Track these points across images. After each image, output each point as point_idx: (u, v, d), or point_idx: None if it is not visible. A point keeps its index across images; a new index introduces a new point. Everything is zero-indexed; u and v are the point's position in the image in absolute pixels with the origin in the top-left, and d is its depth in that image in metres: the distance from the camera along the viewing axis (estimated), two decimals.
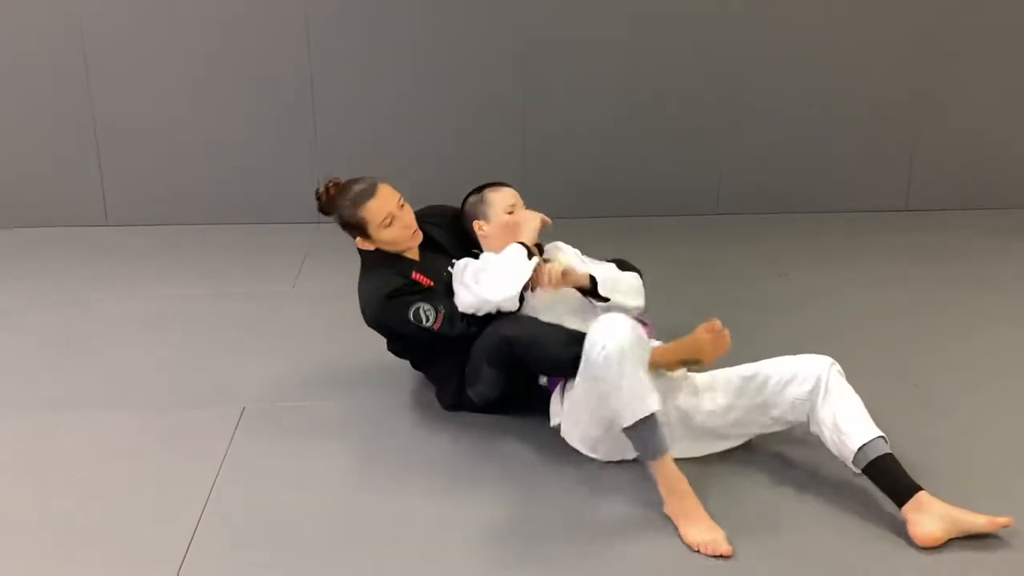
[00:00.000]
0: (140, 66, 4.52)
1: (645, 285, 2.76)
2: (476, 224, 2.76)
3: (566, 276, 2.54)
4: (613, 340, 2.16)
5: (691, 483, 2.21)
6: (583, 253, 2.86)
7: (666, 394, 2.37)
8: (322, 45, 4.54)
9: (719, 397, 2.43)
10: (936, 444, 2.57)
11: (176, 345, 3.23)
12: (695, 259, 4.25)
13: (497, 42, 4.60)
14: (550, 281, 2.50)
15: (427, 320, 2.55)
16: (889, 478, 2.17)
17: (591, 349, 2.20)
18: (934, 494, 2.16)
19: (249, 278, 3.98)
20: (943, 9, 4.63)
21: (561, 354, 2.34)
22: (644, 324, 2.57)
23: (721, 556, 2.09)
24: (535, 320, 2.51)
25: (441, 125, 4.72)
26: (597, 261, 2.81)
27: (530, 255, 2.56)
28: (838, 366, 2.35)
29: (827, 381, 2.27)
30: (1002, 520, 2.11)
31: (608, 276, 2.65)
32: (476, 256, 2.72)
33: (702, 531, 2.13)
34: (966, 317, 3.56)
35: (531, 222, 2.69)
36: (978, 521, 2.11)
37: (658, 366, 2.37)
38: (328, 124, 4.68)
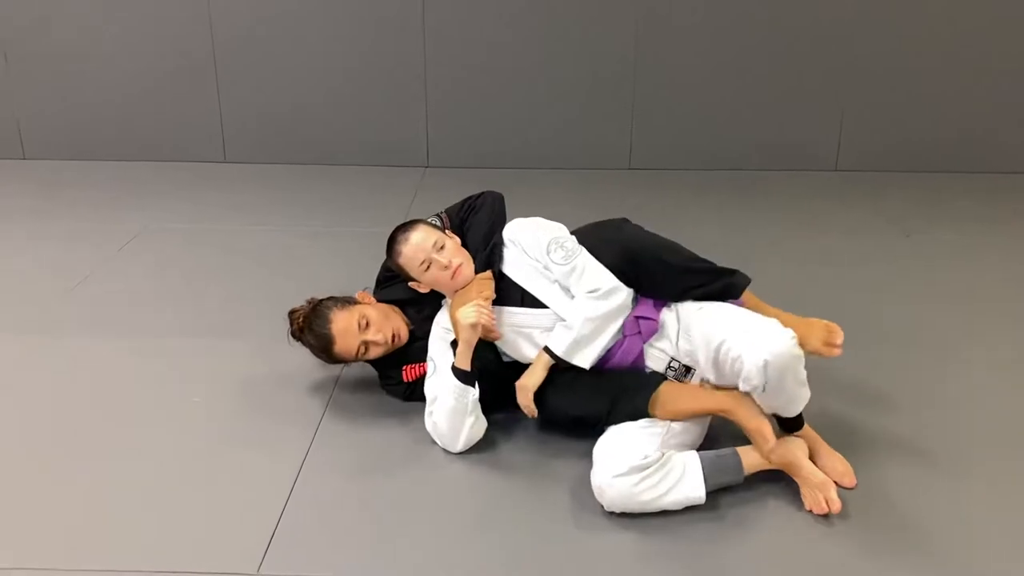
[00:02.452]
0: (261, 13, 4.62)
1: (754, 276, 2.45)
2: (411, 285, 2.46)
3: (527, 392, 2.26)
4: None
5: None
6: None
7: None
8: None
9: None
10: None
11: (286, 277, 3.31)
12: (813, 215, 4.10)
13: None
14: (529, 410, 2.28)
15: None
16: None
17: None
18: None
19: (359, 217, 4.06)
20: None
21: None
22: (648, 319, 2.27)
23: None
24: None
25: (550, 76, 4.68)
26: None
27: (465, 376, 2.25)
28: (778, 357, 2.01)
29: (765, 384, 2.04)
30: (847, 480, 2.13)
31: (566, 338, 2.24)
32: None
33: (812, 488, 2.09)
34: None
35: (464, 322, 2.24)
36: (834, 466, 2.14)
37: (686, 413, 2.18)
38: (440, 75, 4.70)
